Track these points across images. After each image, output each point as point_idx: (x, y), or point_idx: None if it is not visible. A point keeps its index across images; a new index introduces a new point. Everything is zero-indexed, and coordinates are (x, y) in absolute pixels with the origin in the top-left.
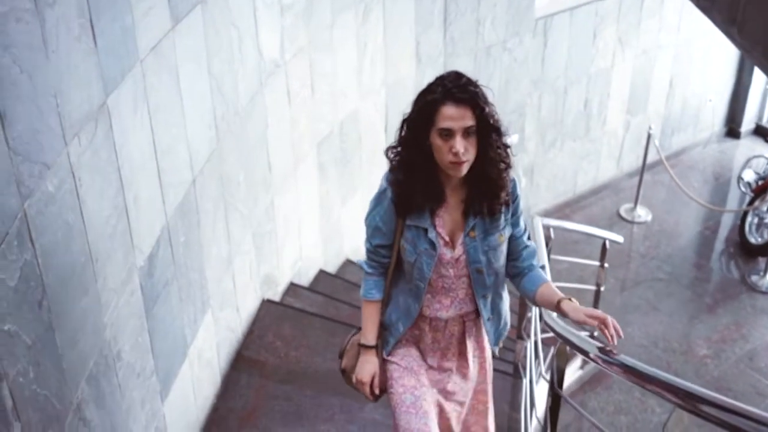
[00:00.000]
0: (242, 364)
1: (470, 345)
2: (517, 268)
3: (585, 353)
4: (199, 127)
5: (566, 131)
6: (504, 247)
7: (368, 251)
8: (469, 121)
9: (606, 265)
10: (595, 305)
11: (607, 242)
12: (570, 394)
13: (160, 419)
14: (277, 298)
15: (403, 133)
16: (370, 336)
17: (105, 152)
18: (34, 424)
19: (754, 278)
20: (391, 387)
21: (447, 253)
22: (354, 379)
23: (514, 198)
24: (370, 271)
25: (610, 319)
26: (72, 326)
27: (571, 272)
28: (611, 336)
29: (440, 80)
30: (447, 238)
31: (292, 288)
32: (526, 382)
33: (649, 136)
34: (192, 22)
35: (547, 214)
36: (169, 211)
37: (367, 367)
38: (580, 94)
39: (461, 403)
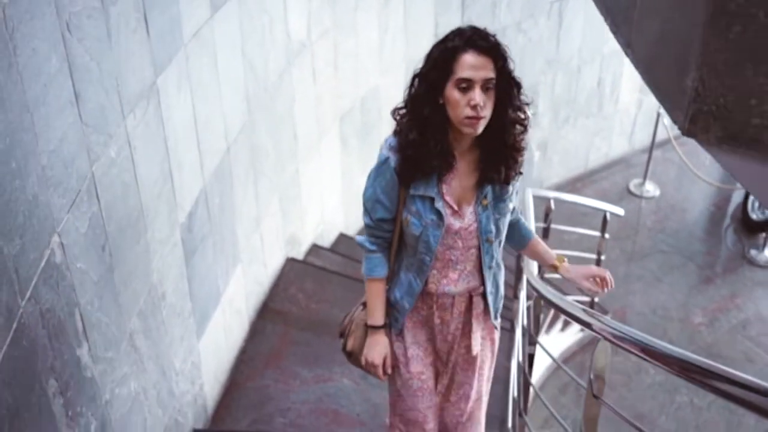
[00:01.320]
0: (268, 314)
1: (476, 324)
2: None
3: (568, 314)
4: (233, 103)
5: (579, 109)
6: (510, 214)
7: (369, 227)
8: (490, 72)
9: (607, 235)
10: None
11: (608, 214)
12: (571, 354)
13: (196, 355)
14: (300, 256)
15: (413, 90)
16: (378, 315)
17: (154, 125)
18: (98, 345)
19: (753, 252)
20: (398, 368)
21: (455, 223)
22: (364, 361)
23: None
24: (372, 248)
25: (607, 275)
26: (127, 268)
27: (580, 242)
28: (602, 286)
29: (458, 31)
30: (455, 207)
31: (315, 248)
32: (518, 337)
33: (658, 115)
34: (228, 10)
35: (559, 187)
36: (206, 175)
37: (378, 349)
38: (594, 73)
39: (466, 382)
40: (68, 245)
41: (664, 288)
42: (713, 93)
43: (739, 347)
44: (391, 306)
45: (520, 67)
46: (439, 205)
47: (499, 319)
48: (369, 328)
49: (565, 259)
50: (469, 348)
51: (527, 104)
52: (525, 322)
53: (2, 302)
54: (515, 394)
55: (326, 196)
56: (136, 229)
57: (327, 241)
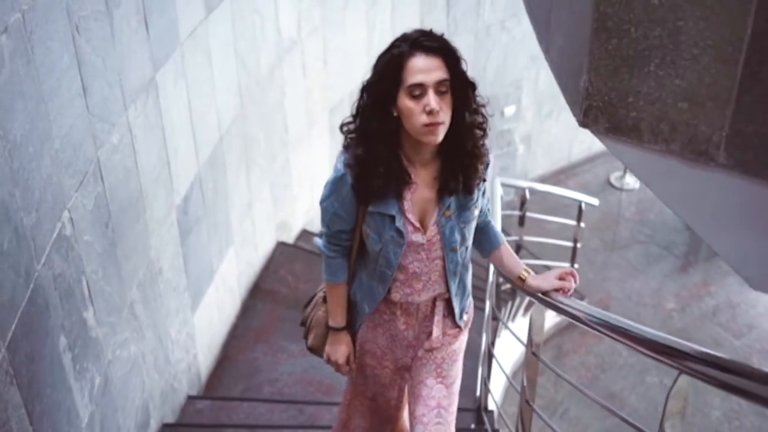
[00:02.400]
0: (258, 293)
1: (437, 330)
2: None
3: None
4: (225, 96)
5: (562, 103)
6: (476, 219)
7: (327, 236)
8: (443, 73)
9: (582, 224)
10: (573, 258)
11: (583, 204)
12: (549, 337)
13: (191, 327)
14: (290, 240)
15: (361, 103)
16: (339, 318)
17: (153, 116)
18: (101, 309)
19: None
20: (352, 376)
21: (418, 239)
22: (326, 358)
23: (486, 165)
24: (331, 255)
25: (574, 270)
26: (128, 244)
27: (561, 232)
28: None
29: (403, 36)
30: (417, 224)
31: (304, 233)
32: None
33: None
34: (222, 11)
35: (542, 179)
36: (201, 162)
37: (341, 349)
38: None
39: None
40: (77, 220)
41: (639, 276)
42: (599, 92)
43: (709, 332)
44: (350, 306)
45: (504, 64)
46: (399, 223)
47: (465, 318)
48: (330, 329)
49: (531, 272)
50: (430, 349)
51: (484, 106)
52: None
53: (21, 265)
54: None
55: (316, 184)
56: (136, 209)
57: (316, 226)
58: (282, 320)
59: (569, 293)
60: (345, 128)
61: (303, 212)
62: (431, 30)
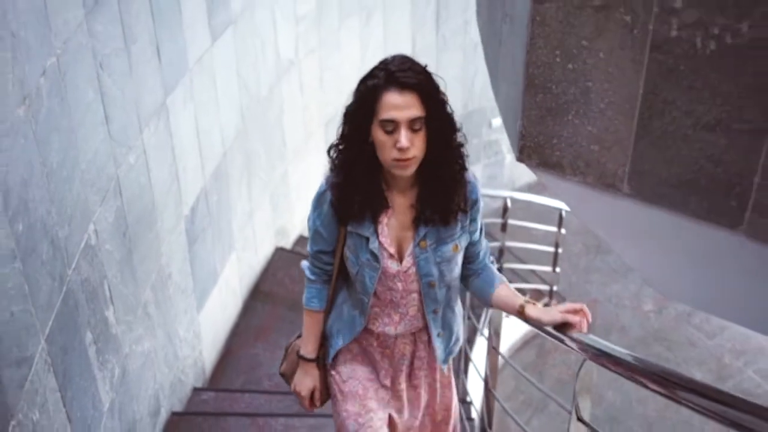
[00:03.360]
0: (258, 294)
1: (418, 365)
2: (469, 270)
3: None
4: (229, 115)
5: None
6: (459, 258)
7: (310, 257)
8: (416, 111)
9: (563, 230)
10: (555, 262)
11: (563, 211)
12: (531, 337)
13: (197, 326)
14: (288, 246)
15: (343, 129)
16: (309, 348)
17: (164, 136)
18: (120, 310)
19: None
20: (334, 406)
21: (393, 266)
22: (292, 388)
23: (474, 203)
24: (312, 278)
25: (586, 308)
26: (142, 251)
27: (546, 238)
28: (581, 322)
29: (383, 63)
30: (392, 250)
31: (301, 239)
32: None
33: None
34: (225, 39)
35: (530, 187)
36: (206, 176)
37: (306, 381)
38: None
39: (413, 420)
40: (100, 231)
41: (618, 278)
42: (530, 135)
43: (684, 333)
44: (325, 338)
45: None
46: (374, 246)
47: (449, 363)
48: (299, 358)
49: (532, 302)
50: (415, 386)
51: (462, 145)
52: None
53: (56, 272)
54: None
55: (312, 192)
56: (149, 220)
57: None
58: (280, 320)
59: (583, 330)
60: (333, 152)
61: (300, 219)
62: (412, 62)
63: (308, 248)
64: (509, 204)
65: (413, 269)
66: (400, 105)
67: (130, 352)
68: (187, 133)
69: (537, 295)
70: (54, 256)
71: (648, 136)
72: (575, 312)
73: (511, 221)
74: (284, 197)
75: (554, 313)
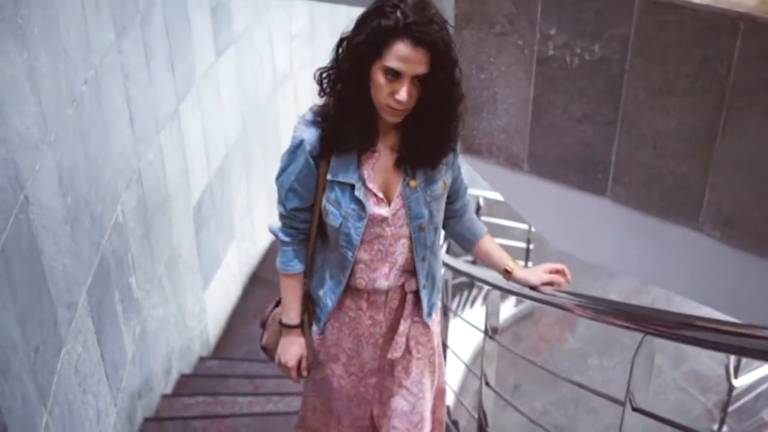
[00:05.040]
0: (257, 280)
1: (404, 324)
2: (451, 211)
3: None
4: (231, 121)
5: None
6: (445, 195)
7: (283, 216)
8: (424, 68)
9: (534, 228)
10: (527, 257)
11: None
12: (506, 326)
13: (203, 302)
14: None
15: (340, 58)
16: (292, 314)
17: (177, 137)
18: (140, 279)
19: None
20: (314, 369)
21: (381, 212)
22: (277, 360)
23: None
24: (287, 239)
25: (566, 268)
26: (157, 232)
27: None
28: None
29: (399, 3)
30: (380, 194)
31: None
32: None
33: None
34: (228, 54)
35: None
36: (211, 173)
37: (292, 350)
38: None
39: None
40: (125, 212)
41: (587, 270)
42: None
43: None
44: (312, 303)
45: None
46: (359, 193)
47: (434, 316)
48: (283, 327)
49: (518, 263)
50: (400, 355)
51: (462, 100)
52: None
53: (94, 240)
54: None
55: None
56: (163, 208)
57: None
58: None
59: (563, 288)
60: (323, 79)
61: None
62: (431, 12)
63: (279, 209)
64: (482, 202)
65: (402, 211)
66: (409, 59)
67: (148, 315)
68: (196, 136)
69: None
70: (92, 226)
71: (539, 128)
72: (557, 272)
73: (484, 218)
74: None
75: (540, 273)
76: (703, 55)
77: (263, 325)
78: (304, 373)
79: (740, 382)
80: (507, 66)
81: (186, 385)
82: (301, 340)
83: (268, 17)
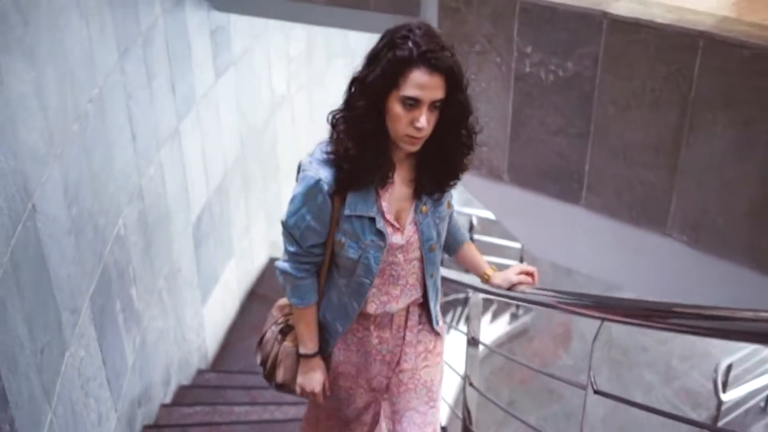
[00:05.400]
0: (254, 296)
1: (410, 336)
2: None
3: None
4: (229, 141)
5: None
6: (449, 215)
7: (296, 255)
8: (440, 93)
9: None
10: None
11: None
12: (500, 343)
13: (201, 317)
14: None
15: (353, 98)
16: (311, 343)
17: (177, 155)
18: (141, 290)
19: None
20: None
21: (397, 240)
22: (300, 391)
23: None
24: (301, 275)
25: (533, 268)
26: (158, 247)
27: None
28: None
29: (409, 33)
30: (396, 224)
31: None
32: None
33: None
34: (228, 76)
35: None
36: (210, 191)
37: (316, 377)
38: None
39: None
40: (127, 225)
41: (578, 279)
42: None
43: (637, 339)
44: (320, 329)
45: None
46: (380, 225)
47: (441, 324)
48: (302, 357)
49: (495, 269)
50: (399, 365)
51: (476, 132)
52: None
53: (97, 250)
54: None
55: None
56: (164, 223)
57: None
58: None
59: (534, 285)
60: (336, 120)
61: None
62: (441, 41)
63: (293, 249)
64: (475, 221)
65: (415, 237)
66: (427, 85)
67: (148, 326)
68: (195, 154)
69: (504, 305)
70: (95, 237)
71: (518, 140)
72: (527, 273)
73: (477, 236)
74: (277, 214)
75: (511, 276)
76: (666, 71)
77: (264, 363)
78: (327, 393)
79: (728, 396)
80: (487, 82)
81: (184, 395)
82: (322, 364)
83: (266, 40)
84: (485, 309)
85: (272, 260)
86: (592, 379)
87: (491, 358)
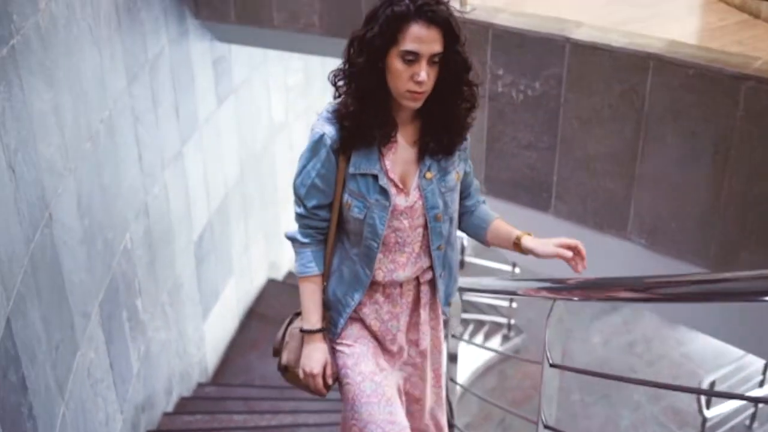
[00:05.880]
0: (253, 314)
1: (424, 314)
2: (464, 207)
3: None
4: (230, 164)
5: None
6: (458, 187)
7: (302, 217)
8: (438, 46)
9: (517, 269)
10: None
11: None
12: (493, 364)
13: (202, 332)
14: (279, 278)
15: (352, 56)
16: (314, 318)
17: (180, 176)
18: (146, 302)
19: None
20: (345, 376)
21: (401, 202)
22: (302, 373)
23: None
24: (306, 240)
25: (580, 245)
26: (162, 262)
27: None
28: (577, 263)
29: None
30: (400, 184)
31: (291, 273)
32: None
33: None
34: (229, 103)
35: None
36: (211, 211)
37: (316, 356)
38: None
39: (420, 385)
40: (133, 240)
41: (572, 317)
42: None
43: (626, 361)
44: (328, 308)
45: None
46: (383, 182)
47: (449, 307)
48: (305, 334)
49: (529, 234)
50: (418, 345)
51: (476, 85)
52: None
53: (106, 261)
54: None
55: None
56: (167, 239)
57: None
58: (270, 336)
59: (578, 267)
60: (338, 79)
61: (291, 256)
62: None
63: (298, 210)
64: (465, 243)
65: (420, 202)
66: (425, 38)
67: (152, 337)
68: (197, 176)
69: (496, 327)
70: (105, 249)
71: (493, 155)
72: (569, 248)
73: (469, 259)
74: (275, 236)
75: (549, 246)
76: (621, 88)
77: (277, 352)
78: (329, 381)
79: (712, 413)
80: None
81: (185, 405)
82: (324, 346)
83: (265, 70)
84: (477, 330)
85: (271, 281)
86: (548, 354)
87: (481, 381)
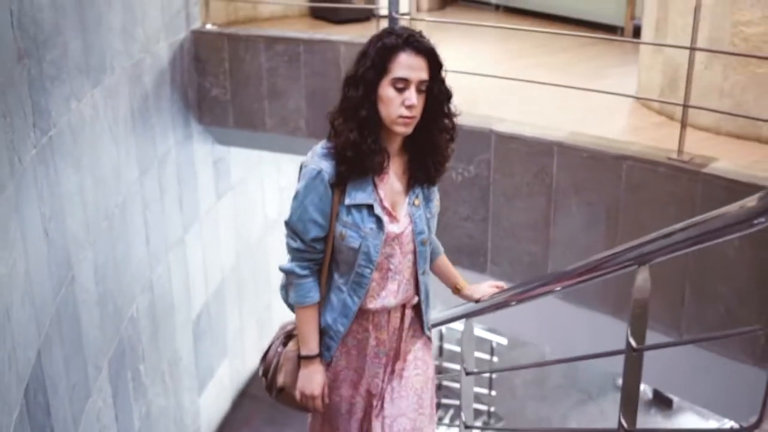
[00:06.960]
0: (245, 394)
1: (408, 340)
2: None
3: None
4: (227, 253)
5: None
6: (436, 215)
7: (300, 251)
8: (425, 74)
9: (495, 359)
10: (490, 386)
11: (494, 342)
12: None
13: (197, 406)
14: None
15: (349, 93)
16: (313, 344)
17: (181, 260)
18: (148, 368)
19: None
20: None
21: (394, 229)
22: (299, 395)
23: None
24: (304, 273)
25: (505, 285)
26: (163, 334)
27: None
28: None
29: (391, 29)
30: (393, 213)
31: None
32: None
33: None
34: (227, 198)
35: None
36: (209, 294)
37: (317, 379)
38: None
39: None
40: (139, 309)
41: (552, 405)
42: None
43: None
44: (321, 334)
45: None
46: (378, 211)
47: (430, 332)
48: (303, 359)
49: (466, 283)
50: (402, 371)
51: (455, 115)
52: None
53: (115, 324)
54: None
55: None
56: (168, 315)
57: None
58: (262, 413)
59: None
60: (334, 116)
61: None
62: (420, 32)
63: (295, 245)
64: (444, 330)
65: (410, 228)
66: (414, 66)
67: (153, 401)
68: (197, 261)
69: (475, 413)
70: (114, 314)
71: (440, 225)
72: (497, 287)
73: (446, 345)
74: (268, 321)
75: (484, 289)
76: (535, 169)
77: (266, 374)
78: (326, 400)
79: None
80: None
81: None
82: (322, 368)
83: (260, 171)
84: (456, 415)
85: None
86: (464, 365)
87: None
